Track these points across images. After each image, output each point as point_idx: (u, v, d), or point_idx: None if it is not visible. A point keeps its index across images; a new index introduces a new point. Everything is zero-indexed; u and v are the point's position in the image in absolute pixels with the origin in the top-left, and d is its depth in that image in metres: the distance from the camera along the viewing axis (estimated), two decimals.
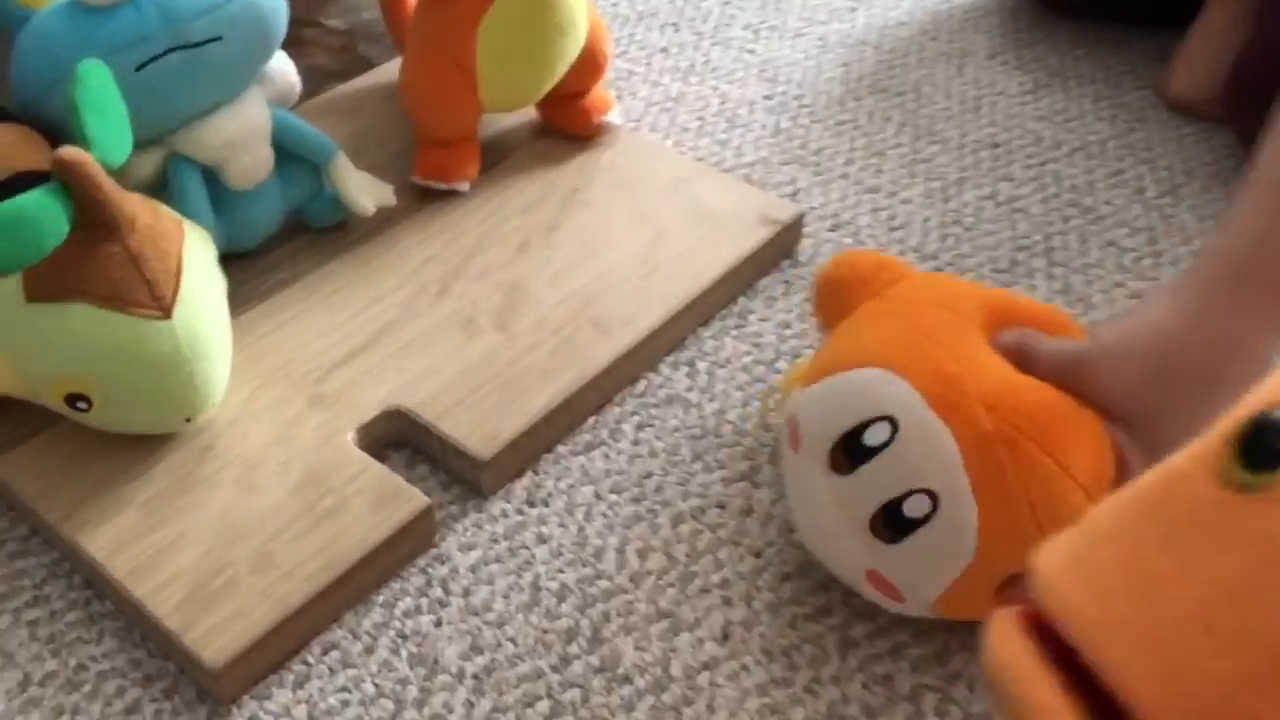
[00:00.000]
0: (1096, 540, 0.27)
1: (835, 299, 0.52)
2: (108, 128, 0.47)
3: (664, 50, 0.87)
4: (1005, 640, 0.27)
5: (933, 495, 0.43)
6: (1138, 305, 0.50)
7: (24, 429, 0.55)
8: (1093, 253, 0.69)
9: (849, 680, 0.48)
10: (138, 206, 0.49)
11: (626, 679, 0.48)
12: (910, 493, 0.43)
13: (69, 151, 0.45)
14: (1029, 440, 0.43)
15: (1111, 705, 0.25)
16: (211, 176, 0.59)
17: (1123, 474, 0.44)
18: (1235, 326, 0.43)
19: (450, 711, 0.47)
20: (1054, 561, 0.27)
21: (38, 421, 0.54)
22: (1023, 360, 0.46)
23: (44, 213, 0.44)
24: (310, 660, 0.49)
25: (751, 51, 0.87)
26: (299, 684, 0.48)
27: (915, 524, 0.44)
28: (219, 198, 0.59)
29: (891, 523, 0.44)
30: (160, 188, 0.58)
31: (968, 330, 0.47)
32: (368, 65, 0.80)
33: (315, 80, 0.77)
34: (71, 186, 0.45)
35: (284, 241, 0.65)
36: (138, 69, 0.53)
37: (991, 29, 0.90)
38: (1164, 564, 0.25)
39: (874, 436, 0.44)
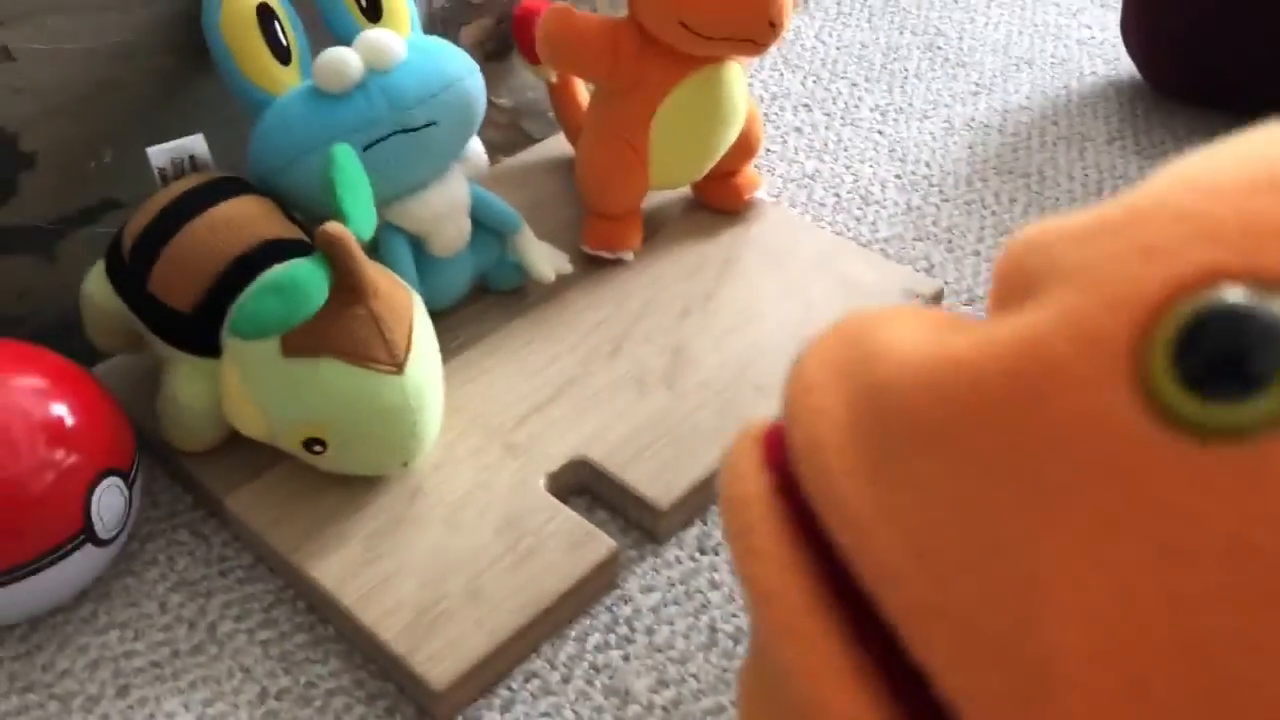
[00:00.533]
0: (897, 424, 0.19)
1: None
2: (360, 205, 0.54)
3: (798, 130, 0.93)
4: (741, 476, 0.21)
5: None
6: None
7: (249, 468, 0.61)
8: None
9: None
10: (378, 275, 0.55)
11: None
12: None
13: (334, 227, 0.51)
14: None
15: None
16: (416, 245, 0.65)
17: None
18: None
19: None
20: (831, 433, 0.20)
21: (263, 461, 0.61)
22: None
23: (312, 280, 0.50)
24: (514, 686, 0.54)
25: (881, 132, 0.93)
26: (505, 708, 0.54)
27: None
28: (421, 264, 0.66)
29: None
30: (372, 255, 0.64)
31: None
32: (530, 140, 0.87)
33: (486, 154, 0.83)
34: (333, 258, 0.52)
35: (468, 304, 0.71)
36: (365, 149, 0.60)
37: (1110, 114, 0.94)
38: (1029, 527, 0.16)
39: None
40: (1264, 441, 0.13)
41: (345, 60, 0.60)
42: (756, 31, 0.64)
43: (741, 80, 0.71)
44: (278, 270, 0.51)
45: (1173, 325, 0.14)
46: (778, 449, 0.22)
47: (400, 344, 0.55)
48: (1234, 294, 0.14)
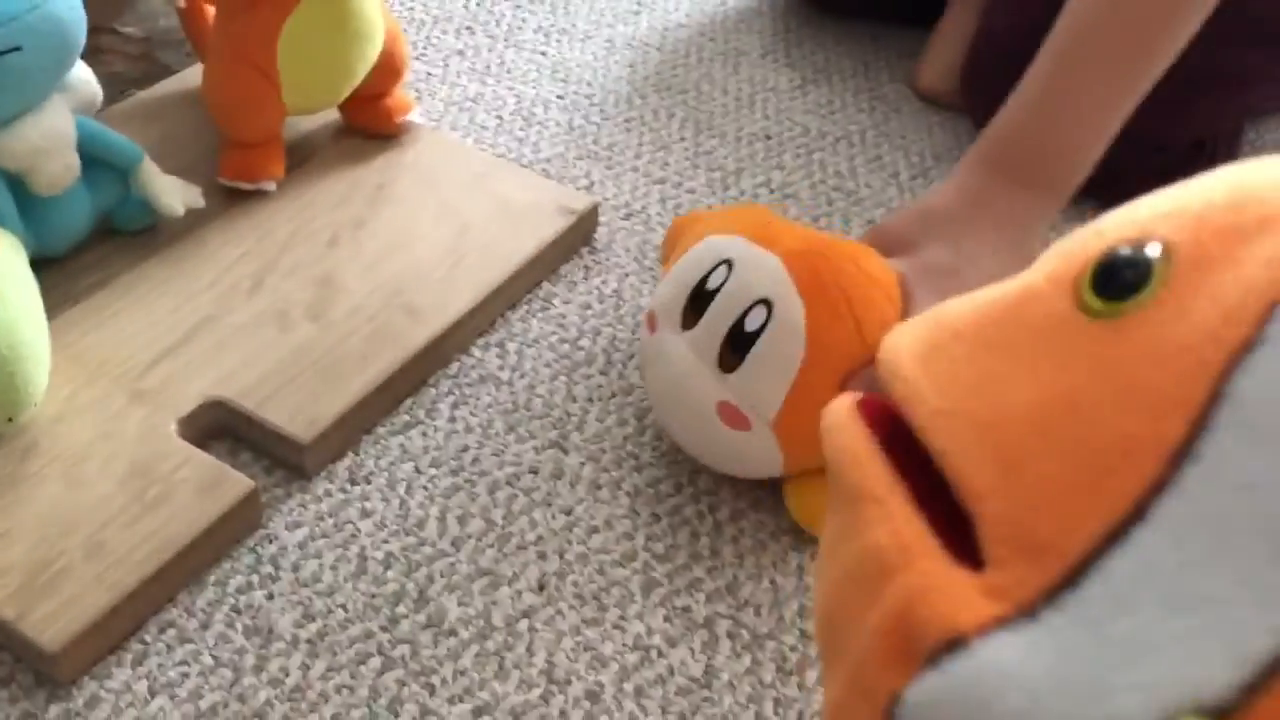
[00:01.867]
0: (947, 336, 0.29)
1: (673, 240, 0.62)
2: None
3: (460, 53, 0.92)
4: (842, 427, 0.29)
5: (767, 303, 0.52)
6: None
7: None
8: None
9: (652, 614, 0.54)
10: None
11: (452, 632, 0.53)
12: (749, 308, 0.53)
13: None
14: (835, 254, 0.53)
15: (943, 497, 0.27)
16: (18, 183, 0.60)
17: (904, 292, 0.55)
18: (982, 190, 0.60)
19: (287, 675, 0.51)
20: (904, 349, 0.29)
21: None
22: None
23: None
24: (148, 639, 0.52)
25: (543, 54, 0.93)
26: (138, 661, 0.51)
27: (755, 336, 0.52)
28: (26, 204, 0.60)
29: (736, 345, 0.53)
30: None
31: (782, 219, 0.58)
32: (167, 71, 0.81)
33: (115, 87, 0.78)
34: None
35: (94, 245, 0.66)
36: None
37: (764, 29, 0.98)
38: (1010, 368, 0.26)
39: (715, 280, 0.54)
40: (1118, 321, 0.25)
41: None
42: None
43: None
44: None
45: (1095, 264, 0.26)
46: (869, 405, 0.30)
47: None
48: (1124, 249, 0.26)
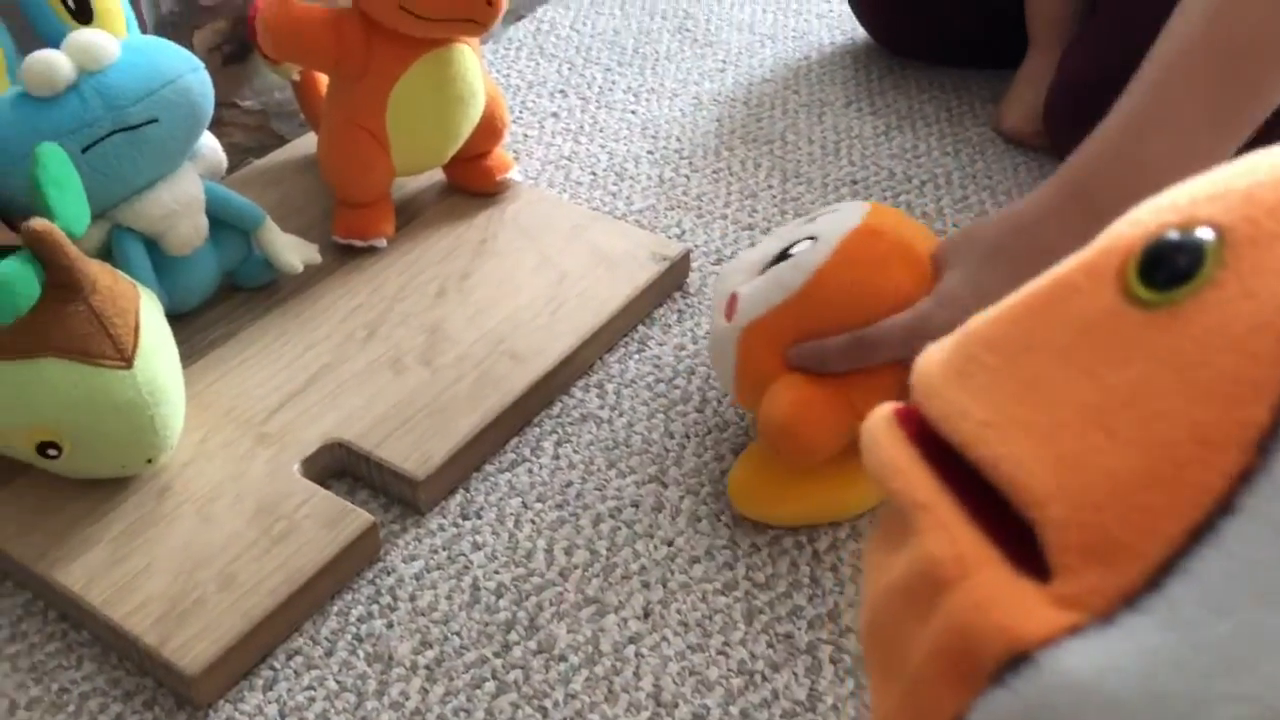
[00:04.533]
0: (979, 348, 0.27)
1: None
2: (68, 201, 0.53)
3: (555, 115, 0.96)
4: (881, 436, 0.28)
5: (813, 239, 0.57)
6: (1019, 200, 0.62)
7: None
8: None
9: (755, 641, 0.56)
10: (98, 271, 0.55)
11: (562, 658, 0.55)
12: (802, 240, 0.58)
13: (39, 223, 0.51)
14: (901, 246, 0.57)
15: (986, 520, 0.25)
16: (152, 245, 0.65)
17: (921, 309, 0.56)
18: (1055, 233, 0.56)
19: (407, 699, 0.53)
20: (935, 369, 0.28)
21: (3, 475, 0.59)
22: (860, 348, 0.56)
23: (19, 278, 0.50)
24: (277, 665, 0.55)
25: (634, 112, 0.96)
26: (268, 687, 0.54)
27: (784, 258, 0.57)
28: (160, 264, 0.65)
29: (773, 262, 0.58)
30: (105, 258, 0.63)
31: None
32: (282, 141, 0.87)
33: (234, 156, 0.83)
34: (41, 254, 0.51)
35: (221, 301, 0.71)
36: (84, 150, 0.59)
37: (847, 80, 1.00)
38: (1056, 369, 0.25)
39: (798, 248, 0.58)
40: (1175, 309, 0.24)
41: (52, 62, 0.59)
42: (475, 10, 0.66)
43: (475, 62, 0.73)
44: None
45: (1141, 253, 0.25)
46: (906, 416, 0.29)
47: (126, 338, 0.54)
48: (1172, 235, 0.25)
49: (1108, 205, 0.59)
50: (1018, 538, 0.24)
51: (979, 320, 0.28)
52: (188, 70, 0.63)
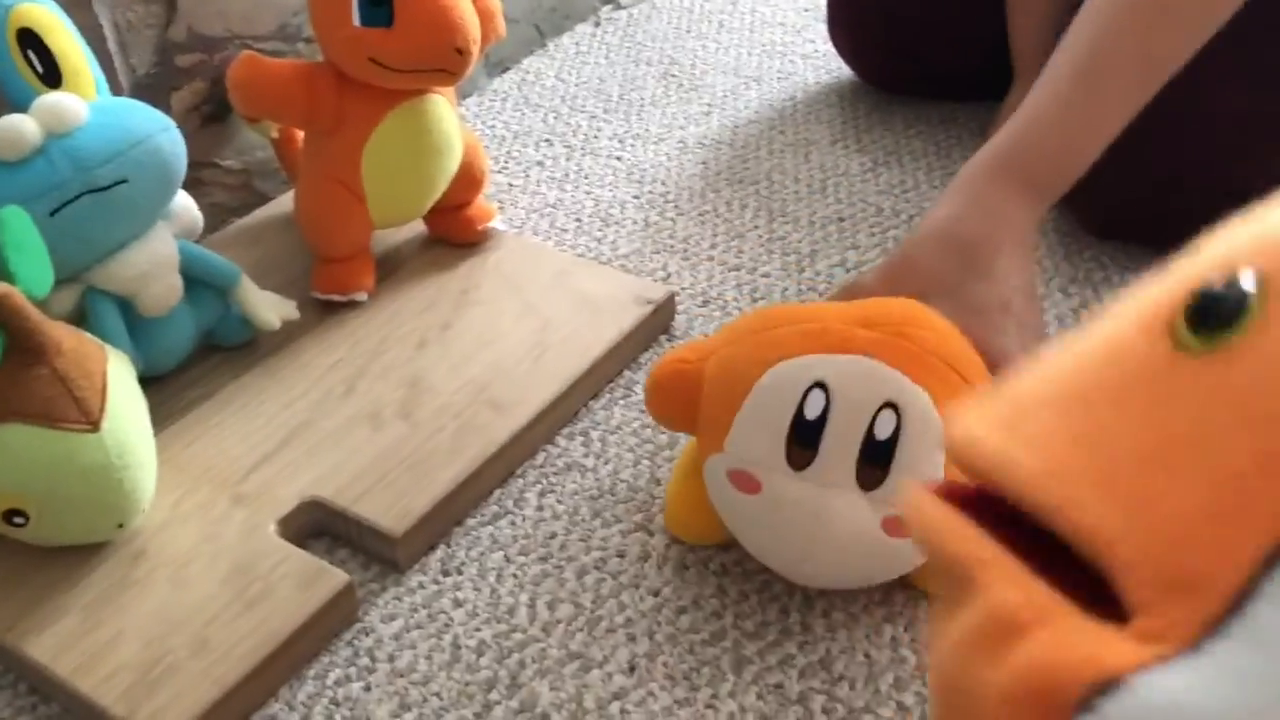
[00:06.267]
0: (1029, 405, 0.28)
1: (675, 394, 0.56)
2: (29, 263, 0.53)
3: (540, 163, 0.95)
4: (924, 509, 0.28)
5: (892, 405, 0.49)
6: (930, 205, 0.66)
7: None
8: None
9: (744, 693, 0.54)
10: (62, 333, 0.54)
11: (545, 716, 0.53)
12: (874, 416, 0.49)
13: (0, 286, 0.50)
14: (905, 325, 0.52)
15: (1045, 574, 0.26)
16: (126, 306, 0.64)
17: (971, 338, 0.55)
18: (1000, 202, 0.61)
19: None
20: (976, 428, 0.28)
21: None
22: (847, 296, 0.59)
23: None
24: None
25: (619, 159, 0.96)
26: None
27: (891, 444, 0.49)
28: (135, 326, 0.64)
29: (872, 457, 0.50)
30: (79, 320, 0.62)
31: (795, 307, 0.56)
32: (265, 199, 0.86)
33: (216, 216, 0.83)
34: (1, 318, 0.50)
35: (198, 361, 0.70)
36: (52, 214, 0.59)
37: (832, 119, 0.99)
38: (1117, 419, 0.26)
39: (813, 408, 0.50)
40: (1227, 353, 0.25)
41: (19, 127, 0.58)
42: (446, 60, 0.66)
43: (450, 112, 0.73)
44: None
45: (1188, 305, 0.26)
46: (947, 493, 0.29)
47: (93, 400, 0.54)
48: (1216, 285, 0.26)
49: (1043, 173, 0.64)
50: (1073, 596, 0.25)
51: (1023, 379, 0.29)
52: (158, 130, 0.63)
